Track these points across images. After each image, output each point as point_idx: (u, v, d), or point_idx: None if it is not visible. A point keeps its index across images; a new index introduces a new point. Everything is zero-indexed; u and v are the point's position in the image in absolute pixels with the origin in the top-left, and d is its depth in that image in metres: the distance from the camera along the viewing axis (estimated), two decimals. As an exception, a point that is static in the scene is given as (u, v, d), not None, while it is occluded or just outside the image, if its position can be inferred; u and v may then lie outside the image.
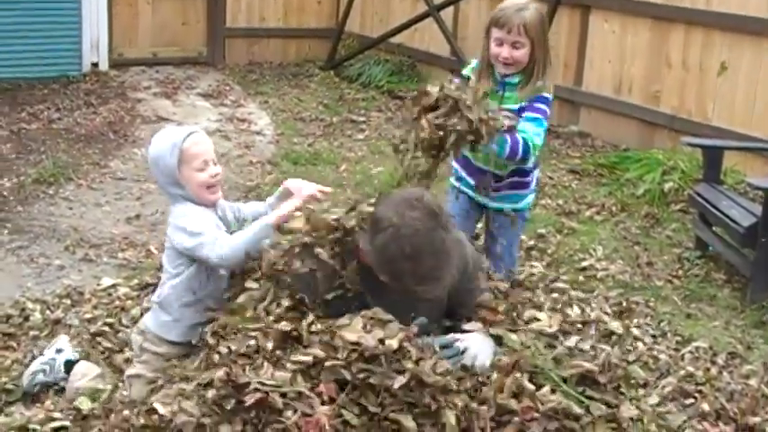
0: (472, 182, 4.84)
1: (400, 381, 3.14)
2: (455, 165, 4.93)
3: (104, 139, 8.88)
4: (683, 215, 7.43)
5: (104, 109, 9.87)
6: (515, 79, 4.62)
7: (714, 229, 6.59)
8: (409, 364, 3.19)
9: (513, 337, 3.64)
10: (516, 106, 4.61)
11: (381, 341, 3.23)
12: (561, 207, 7.61)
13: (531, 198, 4.99)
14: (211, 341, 3.58)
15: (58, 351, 4.22)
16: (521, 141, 4.44)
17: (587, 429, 3.29)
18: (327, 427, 3.07)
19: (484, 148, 4.37)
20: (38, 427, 3.65)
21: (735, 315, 5.78)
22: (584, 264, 6.37)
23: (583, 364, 3.49)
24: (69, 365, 4.15)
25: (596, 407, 3.35)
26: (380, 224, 3.29)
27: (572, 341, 3.66)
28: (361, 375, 3.19)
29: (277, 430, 3.10)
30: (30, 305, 4.96)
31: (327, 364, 3.22)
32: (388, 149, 8.99)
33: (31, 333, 4.65)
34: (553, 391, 3.37)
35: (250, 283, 3.73)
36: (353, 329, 3.34)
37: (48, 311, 4.87)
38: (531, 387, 3.31)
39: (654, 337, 4.92)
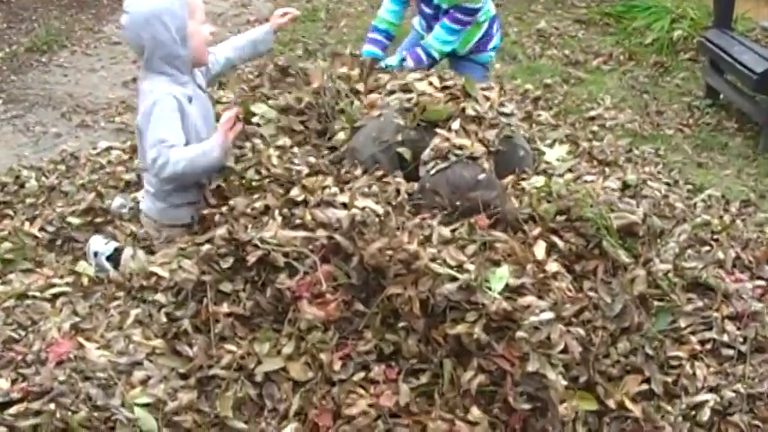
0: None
1: (372, 249, 3.06)
2: (419, 30, 5.18)
3: (97, 4, 8.64)
4: (693, 64, 7.27)
5: (96, -27, 9.61)
6: None
7: (725, 76, 6.43)
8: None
9: (560, 180, 3.58)
10: (445, 5, 4.77)
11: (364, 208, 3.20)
12: (567, 57, 7.44)
13: (490, 54, 5.18)
14: (213, 201, 3.49)
15: (95, 254, 4.00)
16: (422, 53, 4.80)
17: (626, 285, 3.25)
18: (324, 288, 3.01)
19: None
20: (38, 294, 3.56)
21: (747, 163, 5.69)
22: (593, 113, 6.24)
23: (627, 216, 3.41)
24: (113, 257, 3.93)
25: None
26: None
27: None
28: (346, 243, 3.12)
29: (276, 290, 3.04)
30: (25, 173, 4.84)
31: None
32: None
33: (28, 201, 4.54)
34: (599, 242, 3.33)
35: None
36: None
37: (43, 178, 4.76)
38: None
39: (668, 184, 4.83)
